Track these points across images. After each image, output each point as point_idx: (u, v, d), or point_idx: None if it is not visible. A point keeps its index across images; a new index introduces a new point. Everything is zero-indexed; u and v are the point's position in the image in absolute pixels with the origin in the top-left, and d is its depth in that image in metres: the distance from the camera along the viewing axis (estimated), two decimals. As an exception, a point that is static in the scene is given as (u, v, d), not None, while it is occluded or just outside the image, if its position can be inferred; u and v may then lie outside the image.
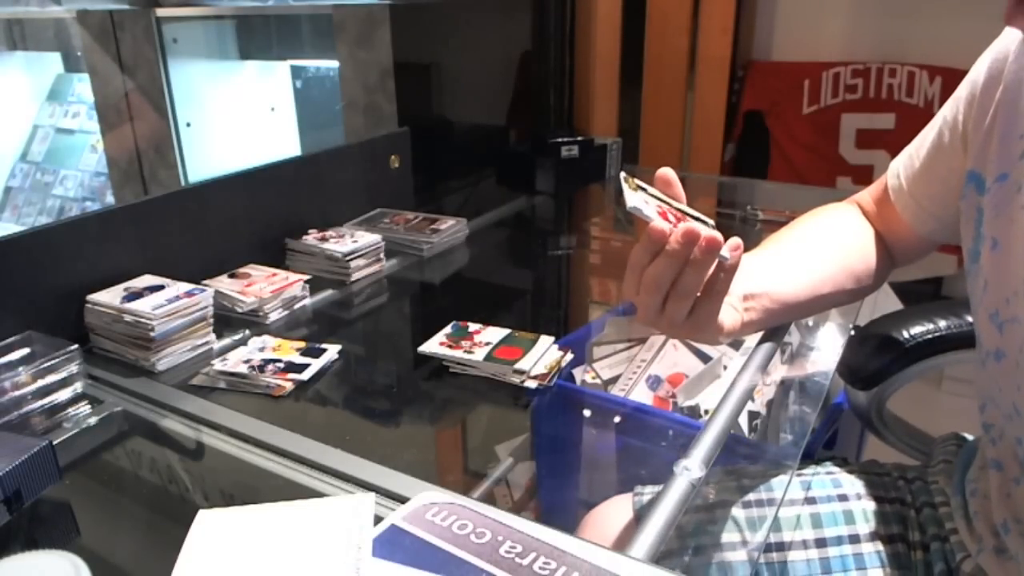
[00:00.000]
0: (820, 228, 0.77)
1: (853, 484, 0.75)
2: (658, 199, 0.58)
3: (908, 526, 0.71)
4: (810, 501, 0.73)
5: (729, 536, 0.67)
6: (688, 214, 0.59)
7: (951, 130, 0.67)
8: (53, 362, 0.75)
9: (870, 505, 0.72)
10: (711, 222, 0.59)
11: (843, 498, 0.73)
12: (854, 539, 0.70)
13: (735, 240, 0.57)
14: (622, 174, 0.57)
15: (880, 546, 0.70)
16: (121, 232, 0.94)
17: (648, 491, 0.72)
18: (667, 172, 0.59)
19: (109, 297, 0.87)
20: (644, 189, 0.58)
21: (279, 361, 0.85)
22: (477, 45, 1.67)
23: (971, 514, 0.66)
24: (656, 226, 0.55)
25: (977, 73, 0.64)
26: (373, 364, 0.97)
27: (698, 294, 0.58)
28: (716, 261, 0.57)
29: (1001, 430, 0.62)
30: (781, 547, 0.70)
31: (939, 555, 0.68)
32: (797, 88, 1.79)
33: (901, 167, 0.74)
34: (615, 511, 0.72)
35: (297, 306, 1.02)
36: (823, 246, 0.74)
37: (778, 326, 0.75)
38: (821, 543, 0.70)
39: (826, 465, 0.79)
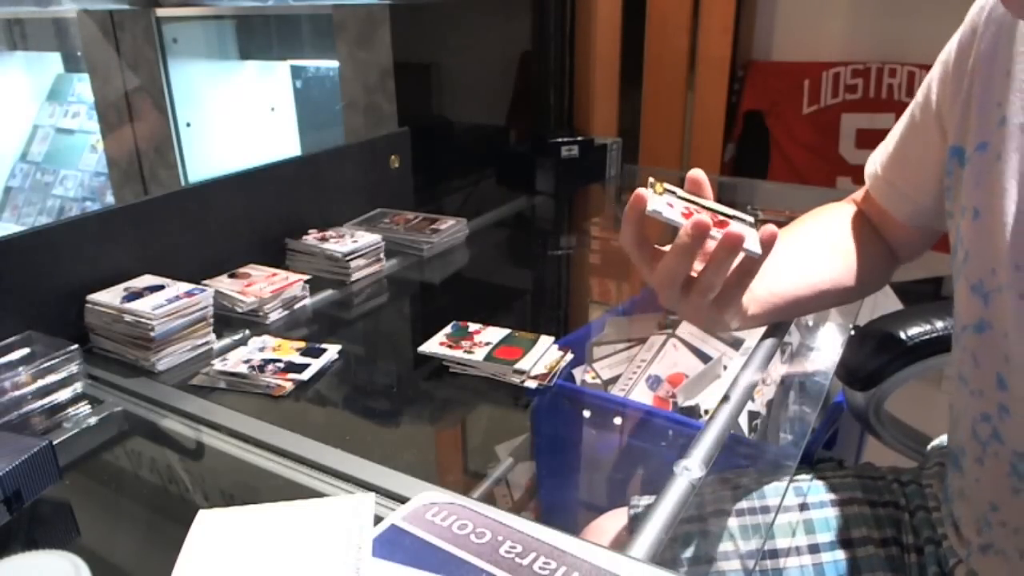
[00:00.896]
0: (820, 226, 0.77)
1: (846, 489, 0.74)
2: (688, 201, 0.58)
3: (902, 529, 0.71)
4: (803, 507, 0.73)
5: (724, 546, 0.67)
6: (724, 213, 0.59)
7: (923, 111, 0.67)
8: (53, 362, 0.75)
9: (863, 509, 0.72)
10: (750, 219, 0.59)
11: (836, 503, 0.73)
12: (847, 544, 0.70)
13: (769, 228, 0.57)
14: (650, 179, 0.57)
15: (873, 550, 0.69)
16: (121, 232, 0.94)
17: (644, 502, 0.72)
18: (697, 173, 0.59)
19: (109, 297, 0.87)
20: (673, 192, 0.58)
21: (279, 361, 0.85)
22: (477, 45, 1.67)
23: (956, 517, 0.66)
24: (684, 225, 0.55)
25: (947, 53, 0.64)
26: (373, 364, 0.97)
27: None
28: (742, 255, 0.57)
29: (964, 411, 0.62)
30: (775, 554, 0.70)
31: (933, 558, 0.67)
32: (797, 88, 1.79)
33: (876, 157, 0.74)
34: (611, 524, 0.72)
35: (297, 306, 1.02)
36: (823, 243, 0.74)
37: (778, 325, 0.75)
38: (814, 549, 0.70)
39: (820, 470, 0.79)
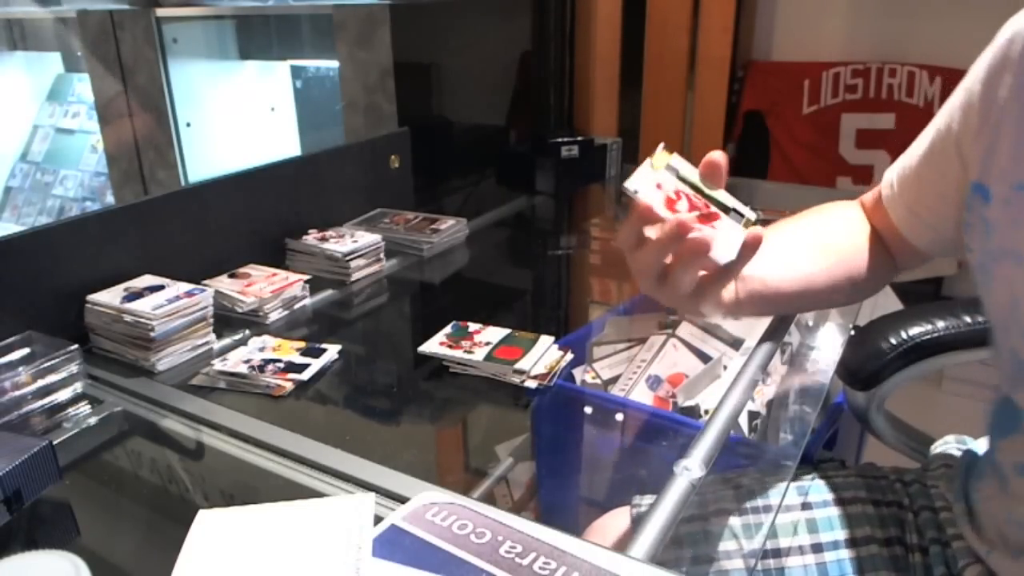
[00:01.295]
0: (821, 224, 0.75)
1: (849, 488, 0.74)
2: (686, 182, 0.55)
3: (906, 529, 0.71)
4: (806, 506, 0.73)
5: (726, 545, 0.67)
6: (721, 203, 0.56)
7: (943, 139, 0.64)
8: (53, 362, 0.75)
9: (867, 509, 0.72)
10: (751, 215, 0.57)
11: (839, 502, 0.73)
12: (851, 543, 0.70)
13: (756, 230, 0.55)
14: (660, 145, 0.54)
15: (877, 549, 0.69)
16: (121, 232, 0.94)
17: (646, 501, 0.72)
18: (716, 157, 0.55)
19: (109, 297, 0.87)
20: (675, 170, 0.55)
21: (279, 361, 0.85)
22: (477, 45, 1.67)
23: (977, 515, 0.65)
24: (637, 214, 0.53)
25: (972, 81, 0.61)
26: (373, 364, 0.97)
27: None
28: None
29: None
30: (778, 553, 0.70)
31: (939, 559, 0.67)
32: (797, 88, 1.79)
33: (896, 177, 0.71)
34: (613, 523, 0.72)
35: (297, 306, 1.02)
36: (822, 241, 0.73)
37: (778, 326, 0.75)
38: (817, 548, 0.70)
39: (823, 469, 0.79)
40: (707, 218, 0.55)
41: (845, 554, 0.69)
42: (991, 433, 0.66)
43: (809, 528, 0.71)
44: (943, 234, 0.67)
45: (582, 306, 1.25)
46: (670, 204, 0.54)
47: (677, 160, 0.55)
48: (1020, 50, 0.56)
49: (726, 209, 0.56)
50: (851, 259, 0.71)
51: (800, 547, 0.70)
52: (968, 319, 0.90)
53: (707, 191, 0.56)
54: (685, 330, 0.96)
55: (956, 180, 0.63)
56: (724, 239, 0.55)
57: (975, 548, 0.65)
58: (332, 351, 0.88)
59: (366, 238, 1.15)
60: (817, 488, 0.75)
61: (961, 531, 0.67)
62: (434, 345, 0.88)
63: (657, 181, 0.54)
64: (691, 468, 0.54)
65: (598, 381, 0.92)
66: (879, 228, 0.74)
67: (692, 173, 0.56)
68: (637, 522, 0.70)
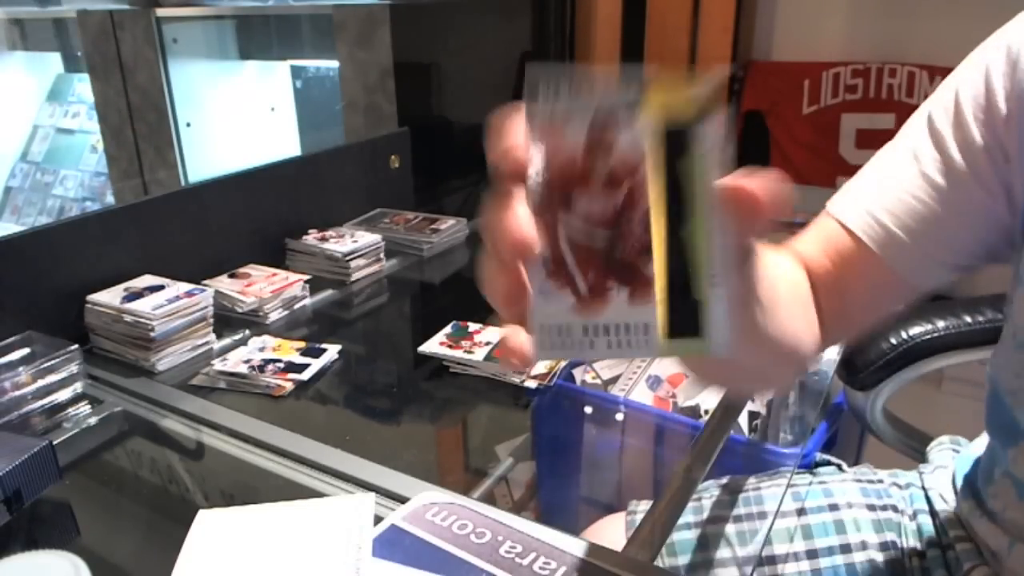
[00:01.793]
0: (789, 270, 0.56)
1: (844, 493, 0.74)
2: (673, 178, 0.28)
3: (902, 533, 0.70)
4: (802, 512, 0.73)
5: (722, 552, 0.67)
6: (678, 264, 0.28)
7: (964, 154, 0.53)
8: (53, 362, 0.75)
9: (862, 513, 0.72)
10: (700, 298, 0.28)
11: (834, 508, 0.73)
12: (845, 549, 0.69)
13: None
14: (713, 77, 0.29)
15: (873, 554, 0.69)
16: (121, 232, 0.94)
17: (642, 507, 0.71)
18: (762, 187, 0.30)
19: (109, 297, 0.87)
20: (681, 139, 0.28)
21: (279, 361, 0.85)
22: (477, 45, 1.67)
23: (994, 513, 0.64)
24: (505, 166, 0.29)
25: (986, 78, 0.54)
26: (373, 364, 0.97)
27: None
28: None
29: None
30: (772, 560, 0.70)
31: (939, 562, 0.67)
32: (797, 88, 1.79)
33: (888, 215, 0.54)
34: (610, 529, 0.72)
35: (297, 306, 1.02)
36: (794, 292, 0.54)
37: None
38: (812, 554, 0.69)
39: (819, 474, 0.79)
40: (626, 280, 0.29)
41: (840, 560, 0.69)
42: (1000, 441, 0.65)
43: (804, 534, 0.71)
44: (972, 268, 0.56)
45: (582, 306, 1.25)
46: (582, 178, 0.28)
47: (707, 127, 0.27)
48: None
49: (682, 282, 0.29)
50: (811, 324, 0.54)
51: (795, 553, 0.70)
52: (968, 319, 0.90)
53: (696, 223, 0.28)
54: (685, 330, 0.95)
55: (988, 203, 0.53)
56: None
57: (991, 544, 0.63)
58: (332, 351, 0.88)
59: (366, 238, 1.15)
60: (813, 494, 0.75)
61: (974, 529, 0.65)
62: (434, 345, 0.88)
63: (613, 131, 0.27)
64: (691, 468, 0.54)
65: (598, 381, 0.92)
66: (846, 276, 0.56)
67: (700, 169, 0.28)
68: (632, 528, 0.70)
